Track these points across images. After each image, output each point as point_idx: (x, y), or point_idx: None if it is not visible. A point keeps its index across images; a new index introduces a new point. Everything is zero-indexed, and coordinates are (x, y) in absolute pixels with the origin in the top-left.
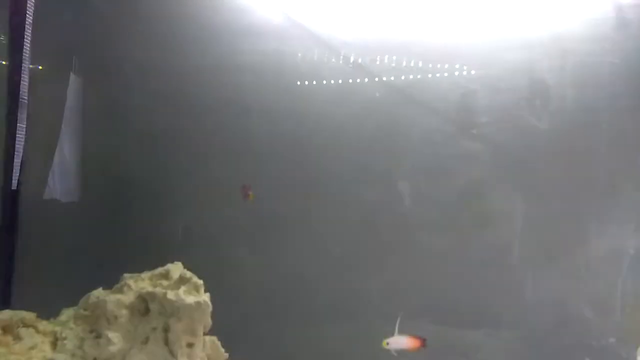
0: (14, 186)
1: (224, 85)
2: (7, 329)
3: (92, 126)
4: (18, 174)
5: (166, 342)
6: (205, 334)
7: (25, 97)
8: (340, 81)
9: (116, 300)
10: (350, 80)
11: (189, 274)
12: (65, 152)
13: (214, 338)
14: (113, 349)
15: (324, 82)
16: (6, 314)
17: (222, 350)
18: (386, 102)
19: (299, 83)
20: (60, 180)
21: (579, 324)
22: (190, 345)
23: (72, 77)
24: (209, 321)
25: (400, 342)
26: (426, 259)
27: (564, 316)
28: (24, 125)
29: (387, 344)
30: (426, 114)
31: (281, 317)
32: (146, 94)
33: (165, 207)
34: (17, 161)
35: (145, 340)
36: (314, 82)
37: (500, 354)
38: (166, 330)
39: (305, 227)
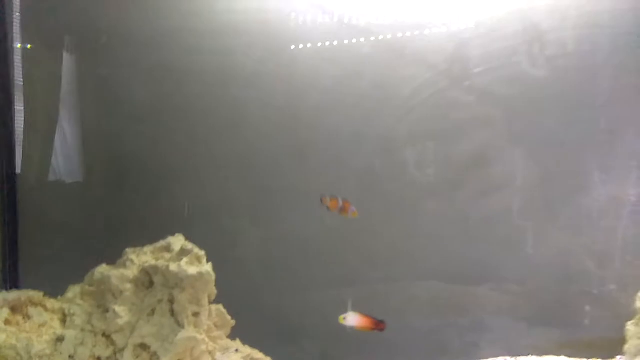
0: (16, 169)
1: (210, 51)
2: (16, 308)
3: (91, 104)
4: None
5: (172, 312)
6: (210, 303)
7: (21, 79)
8: (335, 42)
9: (120, 275)
10: (337, 42)
11: (190, 245)
12: (66, 133)
13: (220, 306)
14: (121, 322)
15: (310, 44)
16: (14, 294)
17: (229, 317)
18: (380, 60)
19: (287, 44)
20: (64, 160)
21: (581, 275)
22: (196, 314)
23: (66, 55)
24: (213, 290)
25: (354, 320)
26: (428, 219)
27: (566, 268)
28: (22, 108)
29: (344, 319)
30: (421, 70)
31: (285, 285)
32: (143, 69)
33: (166, 183)
34: (16, 144)
35: (152, 312)
36: (304, 44)
37: (505, 308)
38: (171, 301)
39: (301, 194)
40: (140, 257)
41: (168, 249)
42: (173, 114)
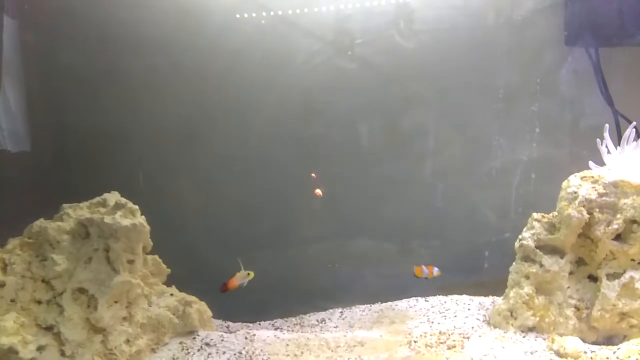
0: None
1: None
2: None
3: (34, 70)
4: None
5: (108, 260)
6: (146, 253)
7: None
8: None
9: (57, 226)
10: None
11: (124, 200)
12: (10, 100)
13: (156, 256)
14: (59, 268)
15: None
16: None
17: (164, 266)
18: (273, 33)
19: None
20: (8, 129)
21: (484, 226)
22: (130, 261)
23: (7, 19)
24: (148, 242)
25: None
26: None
27: (473, 221)
28: None
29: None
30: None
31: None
32: (85, 33)
33: (111, 148)
34: None
35: (89, 260)
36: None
37: (426, 258)
38: (107, 250)
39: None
40: (77, 211)
41: (103, 204)
42: (114, 80)
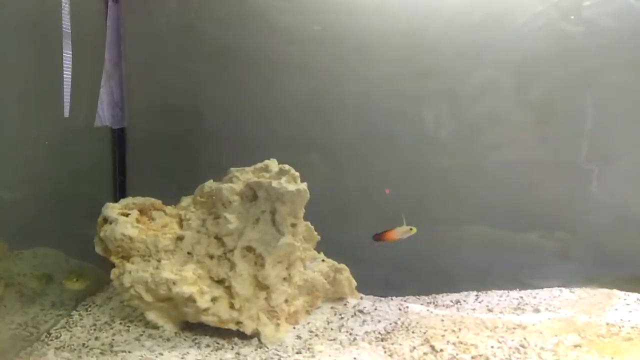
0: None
1: None
2: (143, 211)
3: (135, 53)
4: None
5: (273, 222)
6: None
7: (68, 27)
8: None
9: (229, 187)
10: None
11: (287, 166)
12: (111, 81)
13: (308, 223)
14: (231, 226)
15: None
16: (140, 199)
17: (315, 233)
18: None
19: None
20: (109, 108)
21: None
22: (293, 225)
23: (111, 4)
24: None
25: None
26: (483, 164)
27: (616, 217)
28: (70, 54)
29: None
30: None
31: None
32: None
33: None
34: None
35: (256, 221)
36: None
37: (554, 254)
38: (273, 212)
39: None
40: (244, 175)
41: (266, 169)
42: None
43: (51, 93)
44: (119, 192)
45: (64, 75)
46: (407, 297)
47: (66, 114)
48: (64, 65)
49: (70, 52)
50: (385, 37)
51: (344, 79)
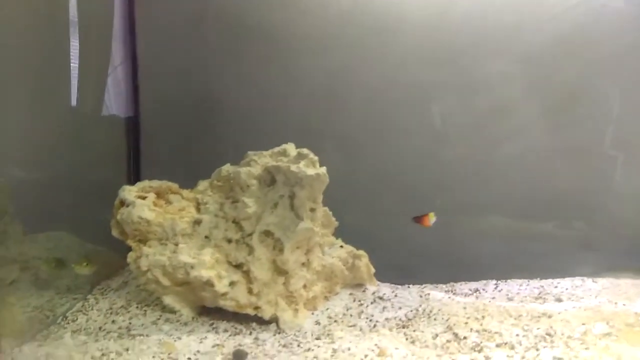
0: (73, 103)
1: None
2: (160, 194)
3: (148, 42)
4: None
5: (292, 207)
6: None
7: (75, 16)
8: None
9: (247, 171)
10: None
11: (305, 150)
12: (118, 70)
13: (326, 208)
14: (249, 210)
15: None
16: (156, 182)
17: (334, 219)
18: None
19: None
20: (116, 96)
21: None
22: (312, 210)
23: None
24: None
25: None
26: (501, 152)
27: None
28: (77, 43)
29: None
30: None
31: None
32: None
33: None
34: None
35: (275, 206)
36: None
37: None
38: (291, 197)
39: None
40: (261, 159)
41: (284, 154)
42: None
43: (65, 81)
44: (134, 178)
45: (75, 65)
46: (424, 285)
47: (79, 102)
48: (73, 55)
49: (77, 42)
50: (405, 20)
51: (360, 66)
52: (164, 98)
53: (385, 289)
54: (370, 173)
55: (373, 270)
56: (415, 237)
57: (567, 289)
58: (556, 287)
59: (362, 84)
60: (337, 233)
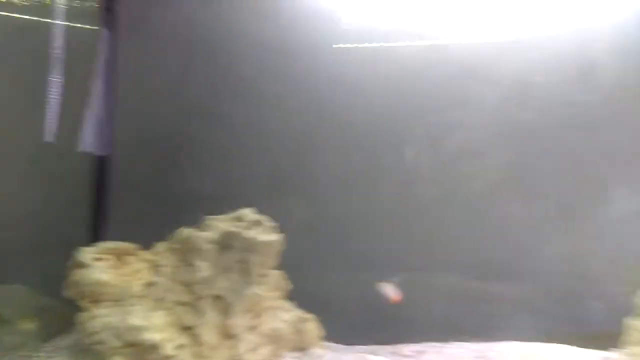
0: (48, 138)
1: None
2: (116, 256)
3: (126, 81)
4: (54, 127)
5: (244, 272)
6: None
7: (60, 52)
8: None
9: (205, 236)
10: None
11: (261, 217)
12: (97, 107)
13: (280, 271)
14: (203, 274)
15: None
16: (114, 244)
17: (286, 281)
18: None
19: None
20: (93, 133)
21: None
22: (263, 275)
23: (105, 32)
24: (277, 258)
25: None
26: (450, 215)
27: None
28: (60, 80)
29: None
30: None
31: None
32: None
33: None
34: (51, 114)
35: (228, 270)
36: None
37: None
38: (244, 262)
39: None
40: (219, 224)
41: (240, 219)
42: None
43: (31, 118)
44: (98, 232)
45: (50, 99)
46: (370, 345)
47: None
48: (49, 88)
49: (56, 77)
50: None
51: (328, 119)
52: (138, 141)
53: (330, 354)
54: (334, 226)
55: (321, 333)
56: (371, 294)
57: (501, 351)
58: (493, 350)
59: (336, 130)
60: (298, 284)
